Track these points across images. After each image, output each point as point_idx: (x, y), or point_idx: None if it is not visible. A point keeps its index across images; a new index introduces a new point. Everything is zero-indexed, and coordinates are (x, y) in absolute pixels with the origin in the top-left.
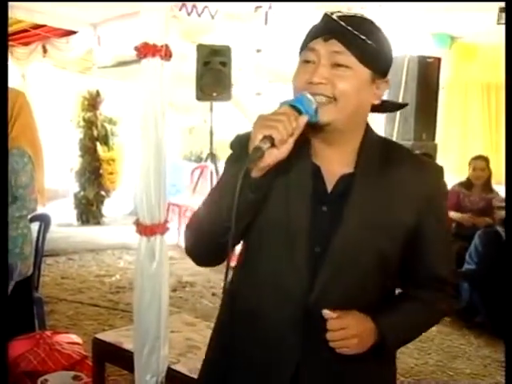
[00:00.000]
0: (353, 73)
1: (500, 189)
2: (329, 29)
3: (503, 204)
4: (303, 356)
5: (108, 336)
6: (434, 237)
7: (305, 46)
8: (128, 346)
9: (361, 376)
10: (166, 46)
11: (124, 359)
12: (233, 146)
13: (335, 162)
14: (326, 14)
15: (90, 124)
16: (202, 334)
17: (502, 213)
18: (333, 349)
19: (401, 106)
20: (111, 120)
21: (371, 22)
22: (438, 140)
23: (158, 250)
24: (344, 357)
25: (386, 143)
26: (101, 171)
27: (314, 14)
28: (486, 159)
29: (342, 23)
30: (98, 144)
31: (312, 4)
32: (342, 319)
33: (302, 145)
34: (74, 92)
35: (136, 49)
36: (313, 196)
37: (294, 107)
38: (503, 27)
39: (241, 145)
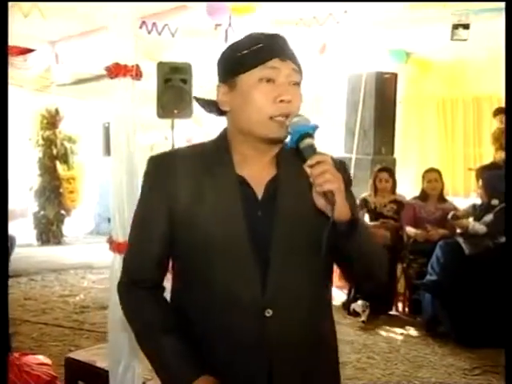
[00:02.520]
0: (300, 89)
1: (457, 200)
2: (283, 50)
3: (458, 212)
4: (271, 362)
5: (80, 355)
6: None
7: (255, 65)
8: (101, 364)
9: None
10: (137, 66)
11: (98, 377)
12: (150, 170)
13: (262, 169)
14: (272, 35)
15: (49, 142)
16: None
17: (464, 222)
18: (296, 347)
19: None
20: (71, 138)
21: None
22: (396, 154)
23: None
24: (306, 356)
25: None
26: (61, 190)
27: (271, 31)
28: (438, 171)
29: (287, 45)
30: (57, 163)
31: (270, 22)
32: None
33: (223, 159)
34: (32, 110)
35: (107, 69)
36: (246, 205)
37: (311, 136)
38: (457, 43)
39: (160, 168)
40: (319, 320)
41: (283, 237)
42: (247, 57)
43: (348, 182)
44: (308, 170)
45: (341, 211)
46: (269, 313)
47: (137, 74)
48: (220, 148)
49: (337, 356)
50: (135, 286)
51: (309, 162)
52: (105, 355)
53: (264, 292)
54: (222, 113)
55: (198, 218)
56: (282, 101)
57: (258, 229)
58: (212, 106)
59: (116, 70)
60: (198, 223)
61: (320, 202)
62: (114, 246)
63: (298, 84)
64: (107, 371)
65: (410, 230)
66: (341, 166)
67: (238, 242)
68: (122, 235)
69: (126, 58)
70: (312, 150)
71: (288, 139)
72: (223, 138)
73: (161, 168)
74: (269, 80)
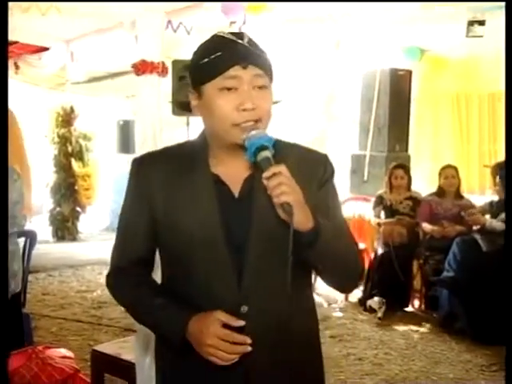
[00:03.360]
0: (268, 91)
1: (472, 197)
2: (244, 56)
3: (473, 209)
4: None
5: (106, 348)
6: (330, 208)
7: (215, 75)
8: (127, 356)
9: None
10: (163, 63)
11: (124, 370)
12: (133, 171)
13: (238, 168)
14: (231, 41)
15: (64, 140)
16: None
17: (481, 219)
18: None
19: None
20: (86, 136)
21: (250, 37)
22: (410, 151)
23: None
24: (283, 354)
25: (277, 143)
26: (76, 187)
27: (285, 29)
28: (455, 168)
29: (251, 48)
30: (72, 160)
31: (284, 19)
32: (277, 167)
33: (198, 158)
34: (47, 108)
35: (134, 66)
36: (221, 202)
37: (268, 149)
38: (472, 40)
39: (140, 170)
40: (297, 319)
41: (259, 234)
42: (207, 66)
43: (329, 177)
44: (265, 182)
45: (300, 222)
46: (244, 309)
47: (163, 70)
48: (197, 147)
49: (318, 356)
50: (120, 274)
51: (264, 175)
52: (130, 348)
53: (240, 288)
54: None
55: (175, 216)
56: (244, 109)
57: (234, 226)
58: (183, 107)
59: (143, 67)
60: (175, 221)
61: (281, 213)
62: None
63: (264, 87)
64: (133, 364)
65: (427, 226)
66: (320, 160)
67: (213, 239)
68: None
69: (152, 55)
70: (268, 162)
71: (246, 153)
72: (202, 137)
73: (141, 169)
74: (230, 88)
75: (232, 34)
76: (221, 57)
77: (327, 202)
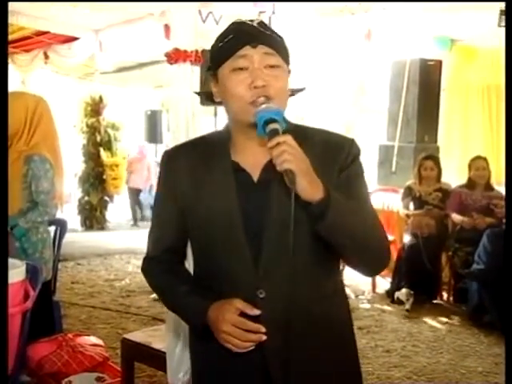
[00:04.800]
0: (282, 71)
1: (502, 189)
2: (253, 35)
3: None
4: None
5: (136, 336)
6: (352, 193)
7: (227, 57)
8: (156, 345)
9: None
10: (196, 51)
11: (154, 358)
12: (162, 163)
13: (257, 155)
14: (242, 23)
15: (93, 130)
16: None
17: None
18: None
19: (299, 90)
20: (114, 125)
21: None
22: (439, 142)
23: (189, 250)
24: (303, 340)
25: (299, 127)
26: (104, 177)
27: (316, 19)
28: (485, 159)
29: (262, 29)
30: (101, 149)
31: (315, 9)
32: (281, 137)
33: (220, 147)
34: (76, 98)
35: (167, 54)
36: (241, 189)
37: (276, 121)
38: (504, 30)
39: (170, 162)
40: (320, 306)
41: (277, 220)
42: (220, 50)
43: (353, 160)
44: (270, 152)
45: (305, 190)
46: (261, 293)
47: (196, 59)
48: (220, 137)
49: (348, 344)
50: (152, 260)
51: (268, 144)
52: (160, 337)
53: (257, 274)
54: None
55: (197, 204)
56: (255, 87)
57: (252, 211)
58: (208, 98)
59: (176, 56)
60: (197, 209)
61: (287, 182)
62: None
63: (276, 66)
64: (163, 352)
65: (456, 216)
66: (344, 143)
67: (231, 225)
68: None
69: (186, 44)
70: (276, 133)
71: (257, 129)
72: (226, 126)
73: (169, 160)
74: (241, 68)
75: (246, 20)
76: (232, 39)
77: (349, 184)
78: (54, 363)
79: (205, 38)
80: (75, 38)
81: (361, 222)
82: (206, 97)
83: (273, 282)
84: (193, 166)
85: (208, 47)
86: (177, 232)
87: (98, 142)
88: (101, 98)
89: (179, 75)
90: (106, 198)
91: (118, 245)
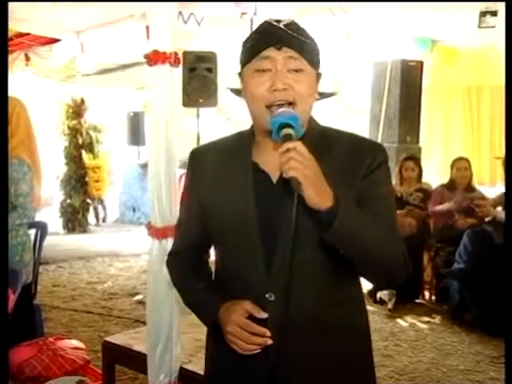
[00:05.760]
0: (306, 75)
1: (483, 189)
2: (278, 37)
3: (483, 201)
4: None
5: (117, 339)
6: (373, 198)
7: (252, 57)
8: (138, 347)
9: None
10: (175, 53)
11: (135, 360)
12: (188, 162)
13: (278, 156)
14: (269, 24)
15: (74, 132)
16: None
17: (490, 210)
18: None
19: (329, 95)
20: (96, 127)
21: (298, 23)
22: (421, 142)
23: None
24: (311, 347)
25: (326, 131)
26: (86, 179)
27: (296, 19)
28: (467, 160)
29: (289, 31)
30: (83, 152)
31: (296, 10)
32: (292, 143)
33: (242, 148)
34: (57, 100)
35: (146, 56)
36: (259, 190)
37: (291, 126)
38: (484, 31)
39: (195, 160)
40: (332, 311)
41: (293, 222)
42: (246, 50)
43: (378, 166)
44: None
45: (310, 199)
46: (271, 296)
47: (175, 61)
48: (244, 137)
49: (362, 350)
50: (175, 256)
51: (279, 150)
52: (142, 339)
53: (268, 276)
54: None
55: (216, 203)
56: (275, 90)
57: (268, 213)
58: (240, 94)
59: (155, 58)
60: (215, 208)
61: (294, 187)
62: (153, 231)
63: (300, 70)
64: (144, 354)
65: (439, 206)
66: (370, 148)
67: (246, 225)
68: (161, 221)
69: (165, 46)
70: (289, 139)
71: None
72: (251, 126)
73: (194, 159)
74: (264, 70)
75: (275, 20)
76: (257, 39)
77: (371, 191)
78: (35, 367)
79: (186, 39)
80: (56, 40)
81: (370, 234)
82: (236, 93)
83: (283, 286)
84: (216, 165)
85: (190, 48)
86: (200, 230)
87: (79, 145)
88: (82, 100)
89: (159, 77)
90: (88, 201)
91: (101, 247)
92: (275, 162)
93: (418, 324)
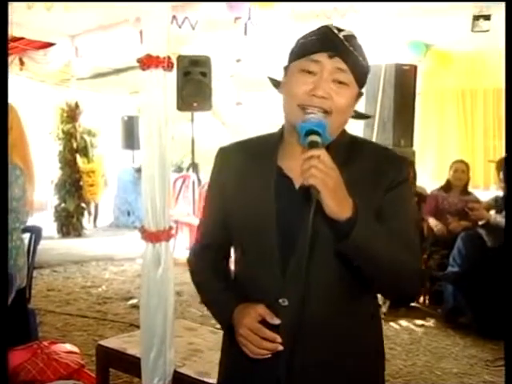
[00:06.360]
0: (349, 90)
1: (477, 193)
2: (334, 46)
3: (476, 204)
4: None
5: (111, 343)
6: (395, 214)
7: (302, 55)
8: (132, 351)
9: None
10: (168, 57)
11: (129, 364)
12: (215, 160)
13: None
14: (329, 30)
15: (69, 136)
16: (204, 338)
17: (484, 213)
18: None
19: (363, 117)
20: (90, 132)
21: (358, 39)
22: (415, 146)
23: (163, 256)
24: (324, 352)
25: (354, 140)
26: (81, 183)
27: (291, 25)
28: (466, 163)
29: (346, 42)
30: (77, 156)
31: (290, 14)
32: (316, 151)
33: (268, 150)
34: (52, 104)
35: (139, 60)
36: (280, 195)
37: (318, 133)
38: (477, 35)
39: (221, 158)
40: (344, 322)
41: (310, 229)
42: (299, 47)
43: (403, 181)
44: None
45: (329, 208)
46: (284, 302)
47: (168, 65)
48: (271, 139)
49: (367, 364)
50: (197, 254)
51: (302, 156)
52: (136, 343)
53: (283, 281)
54: None
55: (238, 203)
56: (314, 95)
57: (288, 218)
58: (276, 87)
59: (148, 62)
60: (236, 208)
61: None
62: (146, 235)
63: (344, 83)
64: (138, 358)
65: (432, 221)
66: (396, 162)
67: (265, 229)
68: (154, 225)
69: (158, 50)
70: (315, 146)
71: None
72: (281, 127)
73: (221, 158)
74: (310, 72)
75: (337, 27)
76: (312, 40)
77: (393, 206)
78: (29, 371)
79: (181, 44)
80: (51, 44)
81: (385, 250)
82: (274, 84)
83: (297, 293)
84: (241, 165)
85: (184, 52)
86: (221, 229)
87: (74, 149)
88: (77, 104)
89: (152, 81)
90: (83, 205)
91: (95, 252)
92: (299, 167)
93: (413, 327)
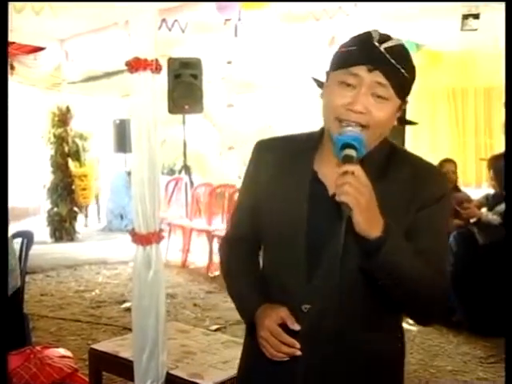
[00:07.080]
0: (389, 104)
1: (469, 191)
2: (373, 59)
3: (467, 203)
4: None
5: (104, 346)
6: (427, 233)
7: (341, 66)
8: (124, 354)
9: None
10: (156, 60)
11: (122, 367)
12: (253, 152)
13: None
14: (370, 39)
15: (60, 140)
16: (197, 340)
17: (476, 211)
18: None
19: (409, 123)
20: (82, 135)
21: (405, 48)
22: (406, 145)
23: (154, 259)
24: (344, 357)
25: (393, 151)
26: (73, 187)
27: (280, 25)
28: (454, 163)
29: (387, 55)
30: (69, 160)
31: (280, 16)
32: (350, 166)
33: (305, 152)
34: (43, 108)
35: (127, 63)
36: (313, 200)
37: (354, 147)
38: (466, 33)
39: (259, 152)
40: (365, 337)
41: (341, 246)
42: (339, 56)
43: (439, 199)
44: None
45: (358, 226)
46: (306, 308)
47: (157, 67)
48: (310, 140)
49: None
50: (227, 244)
51: (337, 171)
52: (128, 346)
53: (307, 287)
54: None
55: (269, 203)
56: (351, 110)
57: (319, 224)
58: (320, 87)
59: (136, 65)
60: (268, 208)
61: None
62: (137, 238)
63: (383, 98)
64: (131, 361)
65: None
66: (433, 179)
67: (294, 233)
68: (145, 228)
69: (146, 52)
70: (348, 160)
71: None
72: (321, 129)
73: (258, 153)
74: (349, 85)
75: (381, 35)
76: (353, 51)
77: (425, 225)
78: (22, 376)
79: (171, 46)
80: (41, 48)
81: (413, 272)
82: (318, 85)
83: (319, 301)
84: (277, 163)
85: (174, 55)
86: (250, 223)
87: (66, 153)
88: (68, 108)
89: (140, 84)
90: (76, 209)
91: (88, 256)
92: (334, 175)
93: (406, 326)
